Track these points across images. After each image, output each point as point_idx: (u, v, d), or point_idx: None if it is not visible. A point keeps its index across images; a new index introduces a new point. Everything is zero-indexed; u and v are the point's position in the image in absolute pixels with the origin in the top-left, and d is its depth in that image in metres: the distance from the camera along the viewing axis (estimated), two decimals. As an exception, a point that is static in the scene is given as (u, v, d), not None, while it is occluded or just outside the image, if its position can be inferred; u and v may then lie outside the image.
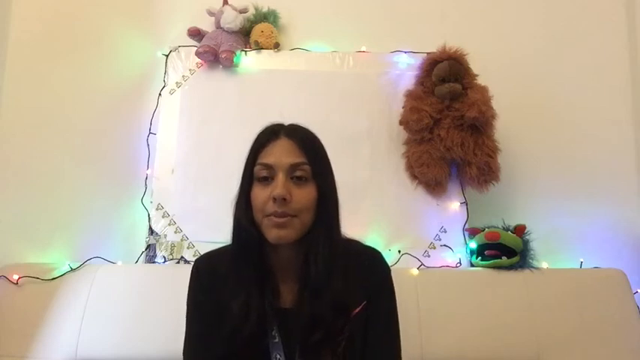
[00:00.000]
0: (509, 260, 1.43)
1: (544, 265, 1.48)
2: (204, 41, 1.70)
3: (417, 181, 1.61)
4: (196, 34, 1.76)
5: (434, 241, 1.58)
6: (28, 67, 1.69)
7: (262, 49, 1.74)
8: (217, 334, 0.87)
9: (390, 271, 0.97)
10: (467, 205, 1.61)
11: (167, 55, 1.74)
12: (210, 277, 0.93)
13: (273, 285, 0.90)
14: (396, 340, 0.93)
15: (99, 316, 1.36)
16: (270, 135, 0.90)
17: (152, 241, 1.57)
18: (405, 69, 1.72)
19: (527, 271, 1.43)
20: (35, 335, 1.34)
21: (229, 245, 0.93)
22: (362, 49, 1.75)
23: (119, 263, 1.52)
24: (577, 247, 1.66)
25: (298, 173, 0.87)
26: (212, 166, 1.62)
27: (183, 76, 1.72)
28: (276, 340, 0.87)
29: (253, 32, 1.77)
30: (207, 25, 1.78)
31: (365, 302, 0.91)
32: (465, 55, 1.58)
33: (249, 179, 0.89)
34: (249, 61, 1.73)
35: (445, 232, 1.59)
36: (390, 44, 1.75)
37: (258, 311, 0.85)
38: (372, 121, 1.67)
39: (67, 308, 1.37)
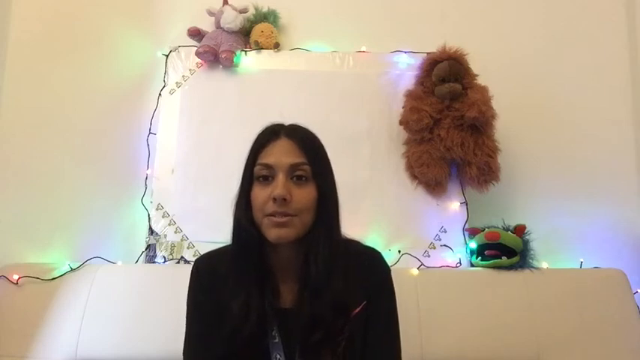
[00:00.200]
0: (509, 260, 1.43)
1: (544, 265, 1.48)
2: (204, 41, 1.70)
3: (417, 181, 1.61)
4: (196, 34, 1.76)
5: (434, 241, 1.58)
6: (28, 67, 1.69)
7: (262, 49, 1.74)
8: (217, 334, 0.87)
9: (390, 271, 0.97)
10: (467, 205, 1.61)
11: (167, 55, 1.74)
12: (211, 277, 0.93)
13: (273, 285, 0.90)
14: (396, 340, 0.93)
15: (99, 316, 1.36)
16: (270, 135, 0.90)
17: (152, 241, 1.57)
18: (405, 69, 1.72)
19: (527, 271, 1.43)
20: (35, 335, 1.34)
21: (229, 245, 0.93)
22: (362, 49, 1.75)
23: (119, 263, 1.52)
24: (577, 247, 1.66)
25: (298, 173, 0.87)
26: (212, 166, 1.62)
27: (183, 76, 1.72)
28: (276, 340, 0.87)
29: (253, 32, 1.77)
30: (207, 25, 1.78)
31: (365, 302, 0.91)
32: (465, 55, 1.58)
33: (249, 179, 0.89)
34: (249, 61, 1.73)
35: (445, 232, 1.59)
36: (390, 44, 1.75)
37: (258, 311, 0.85)
38: (372, 121, 1.67)
39: (67, 308, 1.37)
